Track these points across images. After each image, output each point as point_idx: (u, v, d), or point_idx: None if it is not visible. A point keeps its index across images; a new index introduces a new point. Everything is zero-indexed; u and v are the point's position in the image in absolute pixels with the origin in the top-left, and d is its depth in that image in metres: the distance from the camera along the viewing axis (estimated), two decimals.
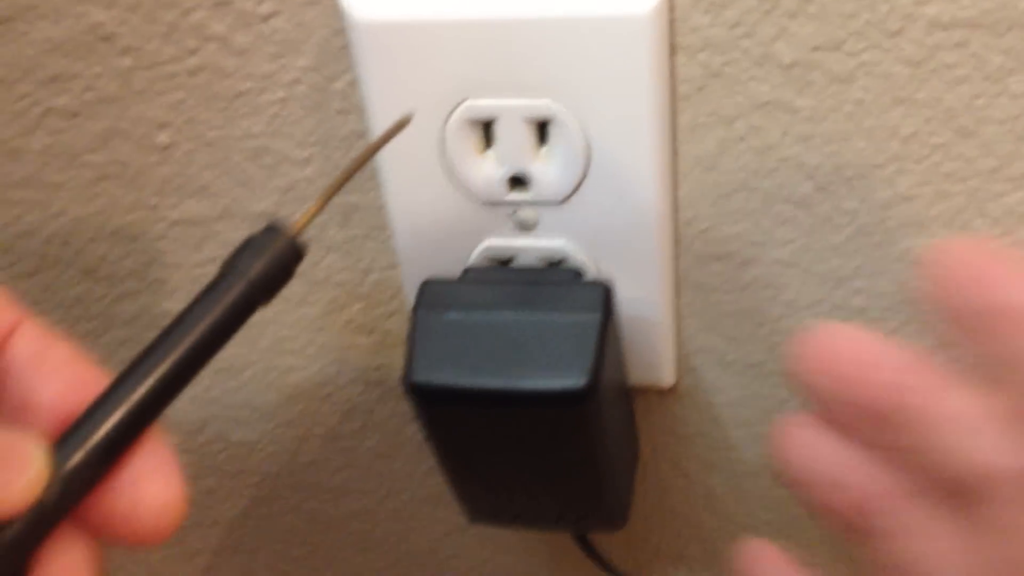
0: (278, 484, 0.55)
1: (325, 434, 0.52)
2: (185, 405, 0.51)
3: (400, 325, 0.46)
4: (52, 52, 0.39)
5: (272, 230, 0.30)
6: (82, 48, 0.39)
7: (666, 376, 0.43)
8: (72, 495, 0.27)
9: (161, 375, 0.28)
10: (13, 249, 0.46)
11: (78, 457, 0.27)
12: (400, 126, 0.34)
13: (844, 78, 0.35)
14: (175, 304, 0.47)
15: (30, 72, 0.40)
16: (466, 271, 0.40)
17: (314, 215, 0.31)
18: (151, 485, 0.28)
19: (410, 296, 0.42)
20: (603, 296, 0.37)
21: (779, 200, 0.38)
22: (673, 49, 0.35)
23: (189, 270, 0.45)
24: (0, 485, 0.25)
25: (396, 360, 0.47)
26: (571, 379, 0.35)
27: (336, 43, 0.37)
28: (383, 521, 0.56)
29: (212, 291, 0.29)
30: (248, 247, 0.30)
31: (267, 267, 0.29)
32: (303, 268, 0.43)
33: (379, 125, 0.37)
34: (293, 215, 0.41)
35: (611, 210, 0.38)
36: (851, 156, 0.37)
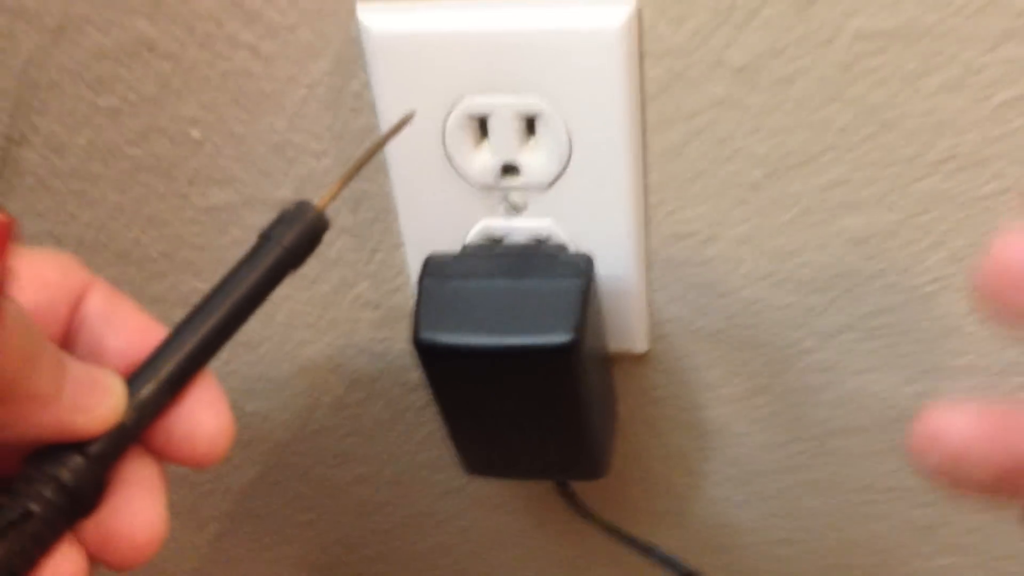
0: (287, 452, 0.59)
1: (332, 403, 0.56)
2: None
3: (403, 301, 0.50)
4: (101, 58, 0.43)
5: (302, 205, 0.34)
6: (128, 54, 0.43)
7: (639, 343, 0.47)
8: (143, 420, 0.31)
9: (212, 325, 0.33)
10: (53, 233, 0.50)
11: (148, 389, 0.31)
12: (404, 122, 0.39)
13: (786, 79, 0.39)
14: (202, 283, 0.51)
15: (79, 75, 0.44)
16: (464, 248, 0.44)
17: (335, 193, 0.35)
18: (205, 414, 0.32)
19: (413, 273, 0.46)
20: (586, 265, 0.41)
21: (734, 185, 0.42)
22: (641, 56, 0.39)
23: (215, 252, 0.49)
24: (90, 407, 0.30)
25: (399, 333, 0.51)
26: (558, 335, 0.40)
27: (351, 50, 0.41)
28: (384, 485, 0.59)
29: (252, 257, 0.34)
30: (282, 220, 0.34)
31: (298, 236, 0.34)
32: (317, 249, 0.48)
33: (388, 121, 0.42)
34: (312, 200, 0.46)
35: (590, 194, 0.42)
36: (794, 146, 0.41)
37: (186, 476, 0.61)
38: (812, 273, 0.44)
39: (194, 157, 0.46)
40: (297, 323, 0.52)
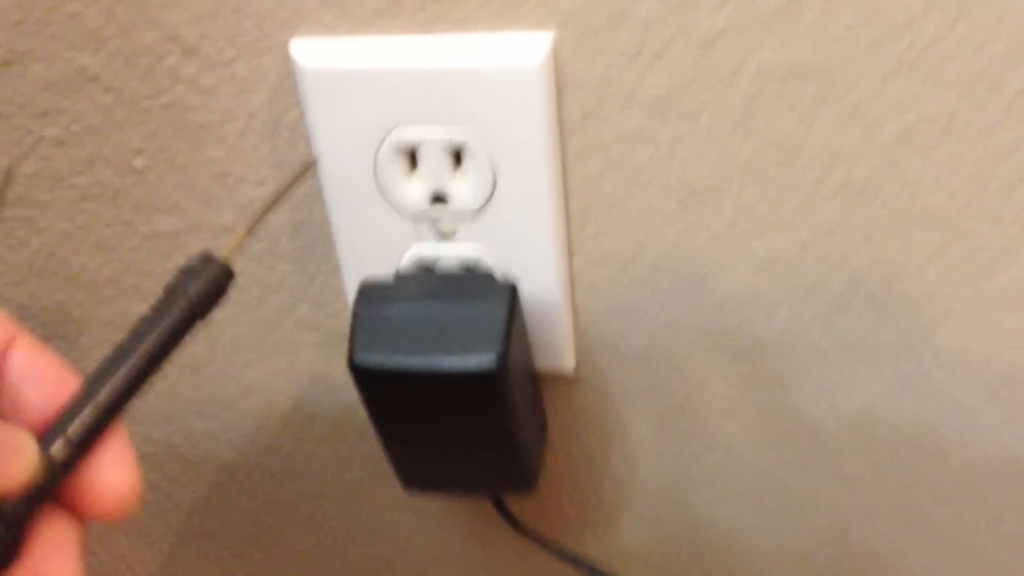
0: (234, 470, 0.60)
1: (277, 423, 0.57)
2: (152, 399, 0.57)
3: (342, 323, 0.52)
4: (45, 90, 0.45)
5: (206, 257, 0.36)
6: (71, 87, 0.45)
7: (567, 362, 0.49)
8: (56, 478, 0.32)
9: (122, 381, 0.34)
10: (3, 260, 0.52)
11: (60, 448, 0.32)
12: (306, 170, 0.41)
13: (693, 113, 0.41)
14: (146, 307, 0.53)
15: (25, 107, 0.46)
16: (397, 274, 0.46)
17: (238, 245, 0.37)
18: (113, 471, 0.33)
19: (350, 296, 0.49)
20: (510, 293, 0.43)
21: (650, 212, 0.44)
22: (559, 91, 0.41)
23: (160, 277, 0.51)
24: (3, 469, 0.31)
25: (339, 353, 0.53)
26: (483, 358, 0.42)
27: (286, 83, 0.43)
28: (328, 500, 0.61)
29: (160, 311, 0.35)
30: (187, 273, 0.36)
31: (204, 288, 0.36)
32: (258, 274, 0.50)
33: (324, 151, 0.44)
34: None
35: (516, 221, 0.44)
36: (703, 175, 0.43)
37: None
38: (723, 295, 0.47)
39: (138, 186, 0.48)
40: (241, 345, 0.54)
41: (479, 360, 0.42)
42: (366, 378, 0.44)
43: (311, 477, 0.60)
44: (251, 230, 0.38)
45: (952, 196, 0.42)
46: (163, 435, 0.59)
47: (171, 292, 0.35)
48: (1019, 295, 0.44)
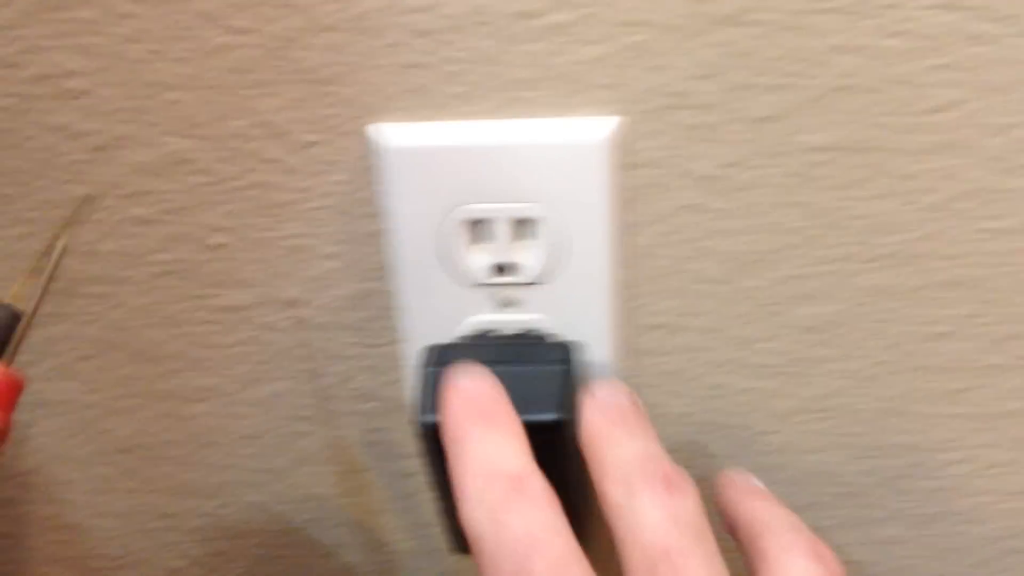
0: (281, 543, 0.62)
1: (325, 493, 0.59)
2: (205, 472, 0.60)
3: (397, 393, 0.54)
4: (137, 172, 0.48)
5: None
6: (163, 169, 0.48)
7: None
8: None
9: None
10: (73, 336, 0.54)
11: None
12: (85, 207, 0.44)
13: (744, 186, 0.45)
14: (211, 379, 0.55)
15: (115, 188, 0.49)
16: (460, 338, 0.49)
17: (23, 285, 0.41)
18: None
19: (408, 366, 0.52)
20: (569, 351, 0.47)
21: (699, 280, 0.47)
22: (622, 165, 0.45)
23: (224, 350, 0.53)
24: None
25: (393, 423, 0.55)
26: (546, 413, 0.45)
27: (364, 163, 0.47)
28: (374, 572, 0.63)
29: None
30: None
31: None
32: (320, 344, 0.52)
33: (398, 225, 0.47)
34: (310, 301, 0.51)
35: (576, 291, 0.47)
36: (751, 244, 0.46)
37: (186, 568, 0.64)
38: (767, 359, 0.50)
39: (215, 261, 0.51)
40: (297, 415, 0.56)
41: (542, 416, 0.45)
42: (432, 436, 0.46)
43: (355, 550, 0.62)
44: (35, 274, 0.41)
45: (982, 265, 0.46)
46: (211, 509, 0.61)
47: None
48: None
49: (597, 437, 0.43)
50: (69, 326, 0.54)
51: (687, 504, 0.39)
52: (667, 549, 0.37)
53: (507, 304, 0.49)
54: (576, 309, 0.48)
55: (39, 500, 0.62)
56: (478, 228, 0.47)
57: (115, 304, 0.53)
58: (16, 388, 0.39)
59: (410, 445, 0.57)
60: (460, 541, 0.52)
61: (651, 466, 0.40)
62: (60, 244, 0.44)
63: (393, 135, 0.46)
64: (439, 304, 0.49)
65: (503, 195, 0.46)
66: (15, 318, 0.40)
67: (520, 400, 0.45)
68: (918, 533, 0.56)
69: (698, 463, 0.54)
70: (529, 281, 0.48)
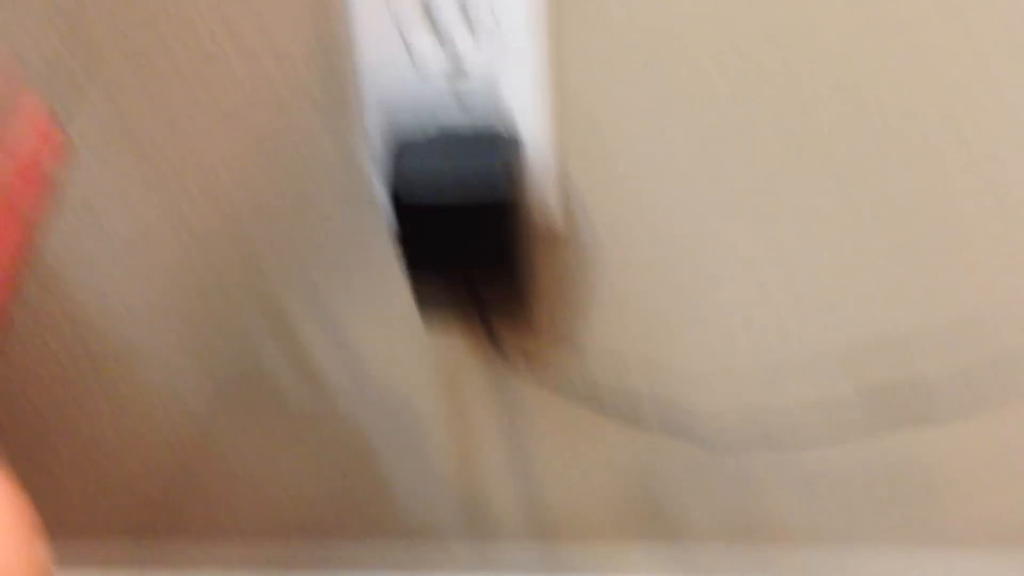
0: None
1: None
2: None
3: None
4: None
5: None
6: None
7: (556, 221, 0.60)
8: None
9: None
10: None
11: None
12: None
13: None
14: None
15: None
16: (423, 134, 0.56)
17: None
18: None
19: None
20: (516, 144, 0.55)
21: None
22: None
23: None
24: None
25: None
26: (496, 193, 0.54)
27: None
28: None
29: None
30: None
31: None
32: None
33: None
34: None
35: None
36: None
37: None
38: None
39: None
40: None
41: (492, 194, 0.54)
42: (406, 213, 0.55)
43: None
44: None
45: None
46: None
47: None
48: None
49: None
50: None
51: None
52: None
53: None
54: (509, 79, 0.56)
55: None
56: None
57: None
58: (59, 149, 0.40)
59: None
60: (423, 304, 0.62)
61: None
62: None
63: None
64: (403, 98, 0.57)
65: None
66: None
67: (470, 186, 0.55)
68: None
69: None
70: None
